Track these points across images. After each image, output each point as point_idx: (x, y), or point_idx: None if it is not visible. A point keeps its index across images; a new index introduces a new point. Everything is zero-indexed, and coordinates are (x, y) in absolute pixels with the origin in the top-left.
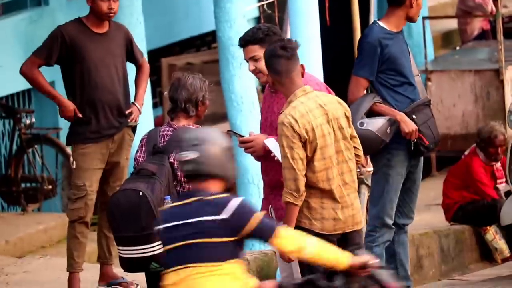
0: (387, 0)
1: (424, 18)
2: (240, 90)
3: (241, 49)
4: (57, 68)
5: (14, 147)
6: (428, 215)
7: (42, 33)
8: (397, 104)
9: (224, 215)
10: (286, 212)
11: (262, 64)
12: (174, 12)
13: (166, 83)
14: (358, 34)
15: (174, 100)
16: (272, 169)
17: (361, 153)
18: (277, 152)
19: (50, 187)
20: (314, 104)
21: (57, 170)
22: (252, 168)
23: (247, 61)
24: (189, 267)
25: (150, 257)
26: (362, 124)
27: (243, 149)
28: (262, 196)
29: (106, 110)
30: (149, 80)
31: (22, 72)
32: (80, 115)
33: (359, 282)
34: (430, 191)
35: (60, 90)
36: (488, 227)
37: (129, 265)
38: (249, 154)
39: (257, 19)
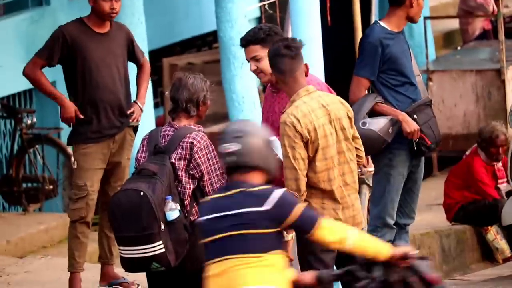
0: (389, 0)
1: (425, 18)
2: (241, 90)
3: (243, 49)
4: (58, 68)
5: (15, 147)
6: (429, 215)
7: (44, 33)
8: (398, 104)
9: (267, 206)
10: None
11: (263, 64)
12: (175, 12)
13: (167, 83)
14: (359, 34)
15: (175, 100)
16: None
17: (362, 154)
18: (278, 152)
19: (51, 187)
20: (316, 104)
21: (58, 170)
22: None
23: (249, 61)
24: (231, 258)
25: (151, 257)
26: (364, 124)
27: None
28: None
29: (108, 110)
30: (150, 80)
31: (24, 73)
32: (82, 116)
33: (398, 273)
34: (432, 191)
35: (61, 90)
36: (489, 227)
37: (130, 265)
38: None
39: (259, 19)
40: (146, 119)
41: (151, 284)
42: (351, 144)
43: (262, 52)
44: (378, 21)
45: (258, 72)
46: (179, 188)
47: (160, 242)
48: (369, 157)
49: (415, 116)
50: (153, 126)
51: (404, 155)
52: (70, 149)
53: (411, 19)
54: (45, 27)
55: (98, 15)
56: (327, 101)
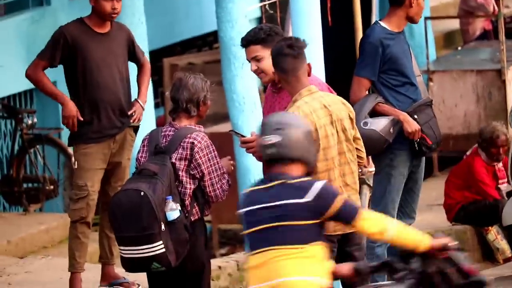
0: (389, 0)
1: (426, 18)
2: (242, 90)
3: (243, 49)
4: (59, 68)
5: (16, 147)
6: (430, 215)
7: (44, 33)
8: (398, 104)
9: (308, 198)
10: None
11: (264, 64)
12: (176, 12)
13: (168, 83)
14: (360, 34)
15: (176, 100)
16: None
17: (364, 155)
18: None
19: (51, 187)
20: (318, 105)
21: (58, 170)
22: (253, 168)
23: (249, 61)
24: (272, 249)
25: (152, 257)
26: (365, 124)
27: (244, 149)
28: None
29: (108, 110)
30: (150, 80)
31: (27, 75)
32: (81, 118)
33: (436, 265)
34: (432, 191)
35: (62, 90)
36: (490, 228)
37: (131, 265)
38: (251, 154)
39: (259, 20)
40: (147, 119)
41: (152, 284)
42: (352, 145)
43: (262, 52)
44: (379, 21)
45: (258, 72)
46: (180, 188)
47: (161, 242)
48: (370, 157)
49: (415, 116)
50: (153, 126)
51: (405, 155)
52: (70, 149)
53: (411, 19)
54: (45, 27)
55: (99, 15)
56: (329, 102)
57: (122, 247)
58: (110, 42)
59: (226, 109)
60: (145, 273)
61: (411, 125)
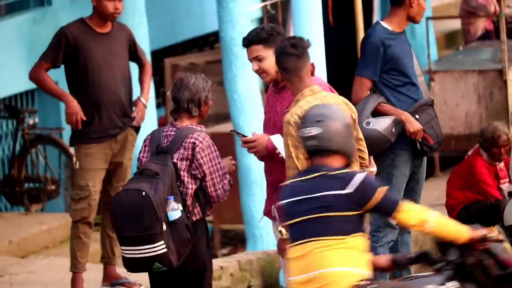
0: (390, 0)
1: (427, 18)
2: (243, 90)
3: (244, 49)
4: (60, 68)
5: (17, 147)
6: None
7: (45, 33)
8: (400, 104)
9: (349, 189)
10: None
11: (266, 64)
12: (177, 12)
13: (169, 83)
14: (361, 34)
15: (177, 100)
16: (275, 169)
17: (366, 155)
18: (281, 149)
19: (53, 187)
20: None
21: (60, 170)
22: (255, 168)
23: (251, 61)
24: (314, 240)
25: (153, 257)
26: (368, 123)
27: (246, 149)
28: (265, 196)
29: (109, 110)
30: (152, 80)
31: (30, 78)
32: (84, 118)
33: (474, 256)
34: (434, 191)
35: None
36: (491, 227)
37: (132, 265)
38: (252, 154)
39: (260, 20)
40: (148, 119)
41: (153, 284)
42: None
43: (264, 52)
44: (380, 22)
45: (260, 72)
46: (181, 188)
47: (162, 242)
48: (371, 157)
49: (417, 116)
50: (155, 126)
51: (406, 155)
52: (72, 149)
53: (413, 20)
54: (47, 27)
55: (101, 15)
56: (331, 102)
57: (123, 247)
58: (111, 42)
59: (227, 109)
60: (146, 273)
61: (413, 124)
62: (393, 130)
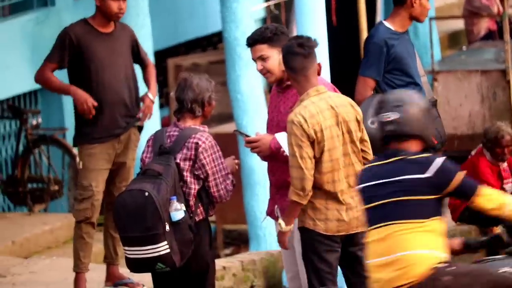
0: (393, 0)
1: (430, 18)
2: (246, 90)
3: (248, 50)
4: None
5: (21, 147)
6: None
7: (49, 34)
8: None
9: (429, 173)
10: (289, 206)
11: (270, 64)
12: (180, 12)
13: (173, 83)
14: (364, 34)
15: (180, 101)
16: (278, 169)
17: (370, 157)
18: (286, 148)
19: (56, 187)
20: (325, 105)
21: (63, 171)
22: (258, 169)
23: (255, 61)
24: (393, 224)
25: (156, 257)
26: (373, 122)
27: (249, 149)
28: (268, 196)
29: (112, 110)
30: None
31: (36, 80)
32: (96, 103)
33: None
34: None
35: None
36: (494, 227)
37: (135, 265)
38: (255, 154)
39: (264, 20)
40: (152, 119)
41: (156, 285)
42: (356, 147)
43: (268, 51)
44: (383, 22)
45: (264, 72)
46: (184, 189)
47: (165, 242)
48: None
49: None
50: (158, 127)
51: None
52: (75, 150)
53: (416, 19)
54: (50, 27)
55: (105, 15)
56: (336, 103)
57: (126, 248)
58: (114, 42)
59: (231, 109)
60: (149, 274)
61: None
62: None
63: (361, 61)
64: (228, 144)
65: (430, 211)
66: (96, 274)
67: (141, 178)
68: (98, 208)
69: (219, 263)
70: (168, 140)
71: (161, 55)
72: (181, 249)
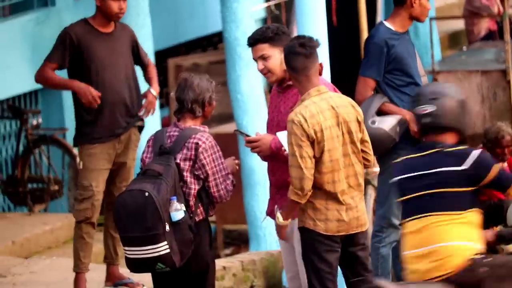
0: (393, 0)
1: (431, 19)
2: (247, 90)
3: (248, 50)
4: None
5: (21, 147)
6: None
7: (49, 34)
8: (403, 104)
9: (465, 166)
10: (288, 204)
11: (271, 63)
12: (180, 12)
13: (173, 83)
14: (364, 35)
15: (181, 101)
16: (278, 169)
17: (371, 157)
18: (287, 146)
19: (56, 187)
20: (326, 105)
21: (63, 171)
22: (258, 169)
23: (256, 61)
24: (430, 215)
25: (156, 257)
26: (373, 122)
27: (249, 149)
28: (268, 197)
29: (113, 110)
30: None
31: (37, 80)
32: (99, 93)
33: None
34: None
35: (65, 92)
36: (494, 227)
37: (135, 265)
38: (256, 155)
39: (264, 20)
40: (152, 119)
41: (156, 285)
42: (357, 147)
43: (270, 51)
44: (383, 22)
45: (265, 72)
46: (184, 189)
47: (165, 242)
48: (374, 157)
49: None
50: (158, 127)
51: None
52: (75, 150)
53: (416, 19)
54: (50, 27)
55: (105, 15)
56: (337, 103)
57: (126, 248)
58: (114, 41)
59: (231, 110)
60: (149, 274)
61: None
62: (397, 129)
63: (362, 61)
64: (228, 144)
65: (466, 203)
66: (96, 274)
67: (141, 178)
68: (98, 208)
69: (219, 263)
70: (168, 140)
71: (162, 55)
72: (181, 249)
